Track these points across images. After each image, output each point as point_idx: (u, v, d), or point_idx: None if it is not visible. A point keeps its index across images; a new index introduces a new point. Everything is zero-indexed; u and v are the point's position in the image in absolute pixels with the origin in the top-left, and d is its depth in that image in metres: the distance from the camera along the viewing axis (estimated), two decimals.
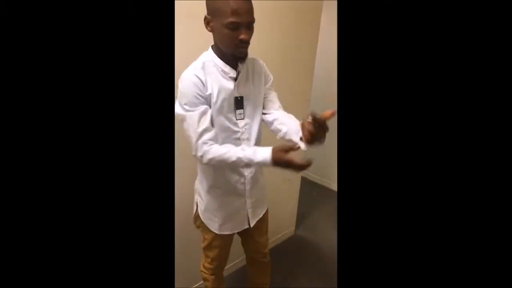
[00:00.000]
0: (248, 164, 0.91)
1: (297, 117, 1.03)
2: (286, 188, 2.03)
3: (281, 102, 1.11)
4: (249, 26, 0.86)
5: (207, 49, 0.98)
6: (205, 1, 0.88)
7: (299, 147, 0.88)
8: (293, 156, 0.87)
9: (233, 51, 0.89)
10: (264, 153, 0.88)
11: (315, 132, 0.81)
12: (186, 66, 1.07)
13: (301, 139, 0.88)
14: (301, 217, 2.37)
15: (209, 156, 0.90)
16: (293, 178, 2.09)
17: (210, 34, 0.92)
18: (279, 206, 1.94)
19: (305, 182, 2.73)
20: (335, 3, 2.51)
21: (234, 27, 0.84)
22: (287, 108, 1.09)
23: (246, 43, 0.88)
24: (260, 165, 0.91)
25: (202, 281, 1.59)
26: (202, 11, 0.88)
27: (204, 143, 0.90)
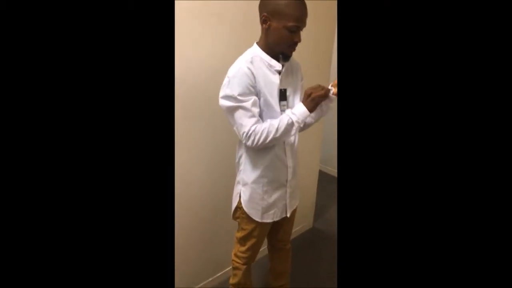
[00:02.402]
0: (290, 122, 0.99)
1: None
2: (304, 181, 2.07)
3: None
4: (301, 30, 0.98)
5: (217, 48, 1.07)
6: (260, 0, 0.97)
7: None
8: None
9: (285, 50, 1.00)
10: (298, 106, 1.01)
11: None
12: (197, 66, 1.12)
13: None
14: (320, 210, 2.40)
15: (257, 136, 0.97)
16: (312, 170, 2.13)
17: (225, 34, 0.96)
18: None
19: (323, 175, 2.75)
20: None
21: (294, 30, 0.95)
22: None
23: (297, 44, 0.99)
24: (301, 116, 1.00)
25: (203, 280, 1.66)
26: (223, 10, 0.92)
27: (254, 130, 0.98)
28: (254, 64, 1.00)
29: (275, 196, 1.15)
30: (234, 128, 1.02)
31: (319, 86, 0.98)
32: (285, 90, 1.07)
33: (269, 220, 1.18)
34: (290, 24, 0.93)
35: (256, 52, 1.02)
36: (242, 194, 1.16)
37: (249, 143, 0.99)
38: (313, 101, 0.98)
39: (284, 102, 1.07)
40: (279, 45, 0.99)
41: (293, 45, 0.99)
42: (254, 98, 0.97)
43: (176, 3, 1.08)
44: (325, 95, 0.98)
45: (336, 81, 1.02)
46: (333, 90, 1.02)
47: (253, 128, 0.97)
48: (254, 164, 1.11)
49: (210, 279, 1.66)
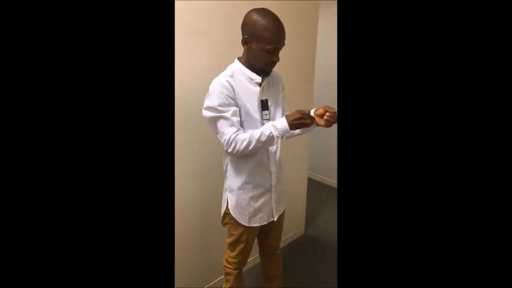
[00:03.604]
0: (271, 135, 1.05)
1: None
2: (294, 189, 2.13)
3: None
4: (280, 50, 1.05)
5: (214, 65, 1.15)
6: (242, 21, 1.04)
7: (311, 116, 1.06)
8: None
9: (264, 68, 1.09)
10: (280, 121, 1.06)
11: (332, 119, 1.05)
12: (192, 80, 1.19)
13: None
14: (311, 217, 2.46)
15: (238, 143, 1.04)
16: (301, 178, 2.20)
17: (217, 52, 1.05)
18: (288, 206, 2.01)
19: (313, 183, 2.81)
20: (332, 2, 2.62)
21: (272, 51, 1.03)
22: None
23: (276, 63, 1.07)
24: (281, 132, 1.06)
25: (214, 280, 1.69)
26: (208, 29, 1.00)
27: (235, 138, 1.05)
28: (235, 77, 1.08)
29: (261, 201, 1.21)
30: (217, 136, 1.10)
31: (309, 114, 1.05)
32: (266, 100, 1.15)
33: (256, 224, 1.23)
34: (268, 46, 1.01)
35: (237, 67, 1.11)
36: (229, 200, 1.22)
37: (230, 150, 1.06)
38: (298, 125, 1.05)
39: (266, 112, 1.15)
40: (259, 64, 1.08)
41: (272, 63, 1.07)
42: (234, 108, 1.05)
43: None
44: (310, 125, 1.06)
45: (319, 111, 1.06)
46: (317, 121, 1.07)
47: (233, 136, 1.04)
48: (239, 171, 1.18)
49: (206, 287, 1.69)
